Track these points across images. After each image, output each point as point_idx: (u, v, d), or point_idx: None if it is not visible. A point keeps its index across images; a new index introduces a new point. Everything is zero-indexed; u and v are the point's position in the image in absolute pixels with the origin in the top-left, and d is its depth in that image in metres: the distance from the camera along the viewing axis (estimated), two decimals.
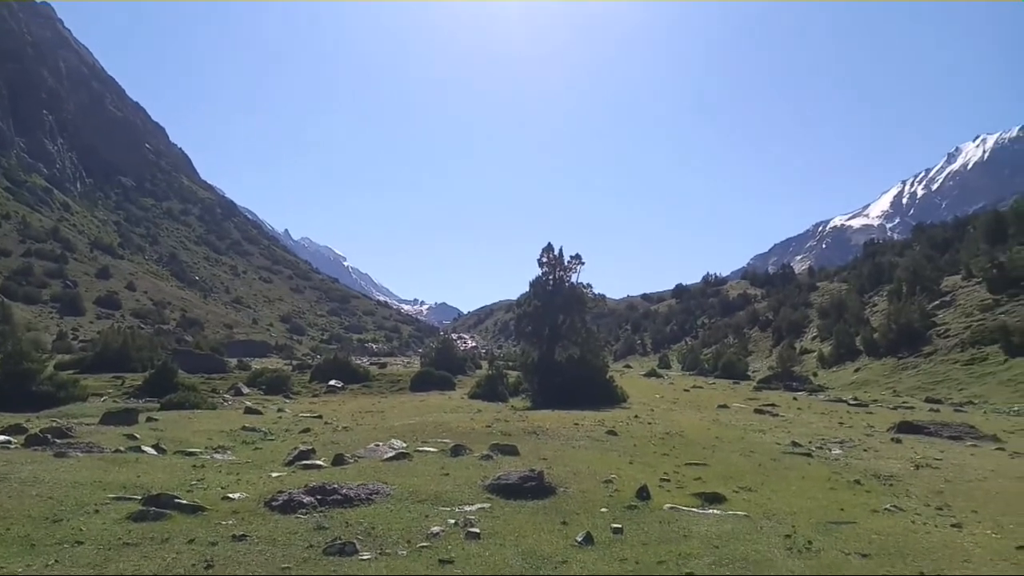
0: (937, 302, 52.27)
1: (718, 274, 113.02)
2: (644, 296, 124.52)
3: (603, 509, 8.37)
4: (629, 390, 26.44)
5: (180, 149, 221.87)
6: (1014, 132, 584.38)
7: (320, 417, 19.40)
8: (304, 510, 8.21)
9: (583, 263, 27.59)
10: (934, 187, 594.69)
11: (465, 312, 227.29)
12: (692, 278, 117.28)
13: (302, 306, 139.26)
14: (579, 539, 7.15)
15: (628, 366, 64.74)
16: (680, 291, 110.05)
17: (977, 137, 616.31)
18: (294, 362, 48.86)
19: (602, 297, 33.53)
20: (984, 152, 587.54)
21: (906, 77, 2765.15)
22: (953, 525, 8.06)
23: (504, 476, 9.55)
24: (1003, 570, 6.36)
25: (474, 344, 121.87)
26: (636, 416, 18.87)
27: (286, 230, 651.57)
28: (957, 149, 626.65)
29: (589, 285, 28.64)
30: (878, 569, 6.41)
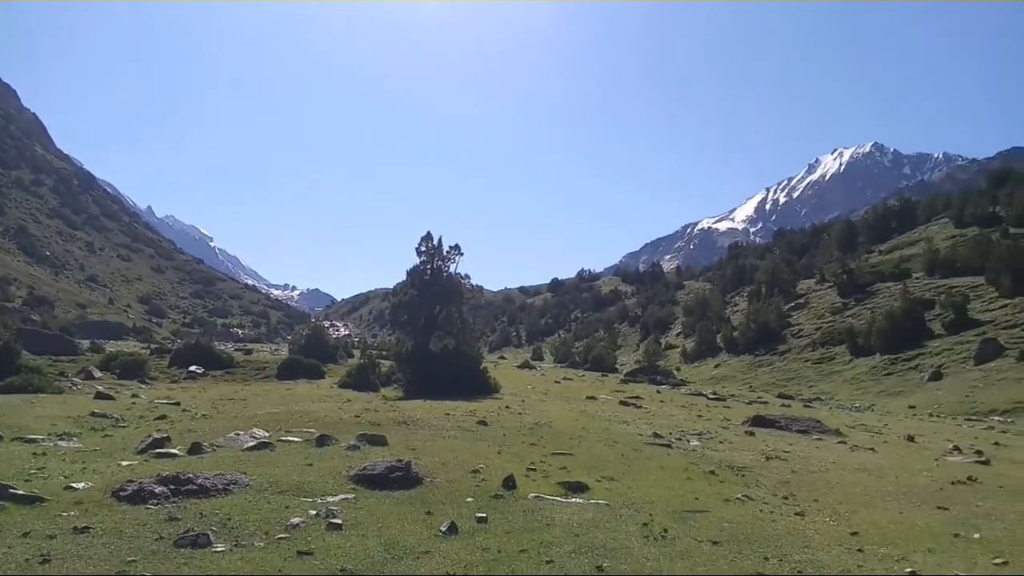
0: (792, 304, 55.59)
1: (592, 270, 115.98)
2: (521, 289, 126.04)
3: (469, 499, 8.38)
4: (502, 381, 26.66)
5: (33, 114, 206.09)
6: (867, 148, 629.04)
7: (178, 404, 18.52)
8: (155, 501, 7.80)
9: (462, 254, 27.59)
10: (795, 195, 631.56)
11: (339, 299, 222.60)
12: (568, 273, 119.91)
13: (163, 287, 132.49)
14: (443, 529, 7.12)
15: (503, 357, 65.32)
16: (556, 285, 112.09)
17: (835, 150, 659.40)
18: (152, 346, 46.39)
19: (480, 288, 33.60)
20: (841, 165, 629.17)
21: (776, 89, 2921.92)
22: (797, 513, 8.55)
23: (370, 466, 9.40)
24: (838, 554, 6.79)
25: (347, 332, 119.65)
26: (507, 407, 19.05)
27: (149, 207, 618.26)
28: (817, 160, 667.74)
29: (467, 276, 28.67)
30: (727, 555, 6.71)
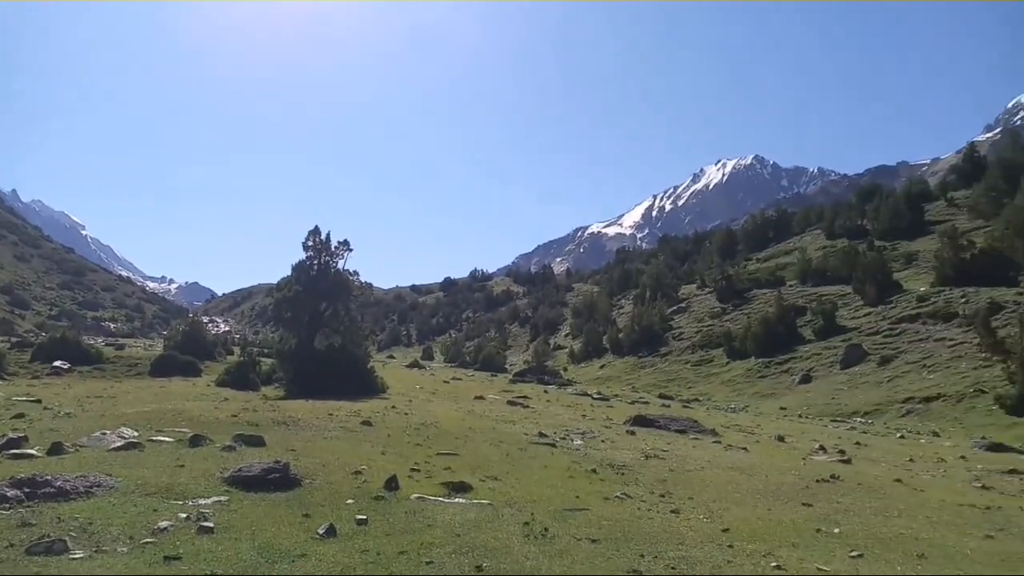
0: (675, 308, 57.47)
1: (485, 270, 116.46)
2: (413, 287, 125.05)
3: (349, 500, 8.21)
4: (390, 381, 26.33)
5: None
6: (749, 160, 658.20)
7: (39, 401, 17.33)
8: (7, 505, 7.25)
9: (351, 249, 27.05)
10: (680, 203, 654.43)
11: (220, 294, 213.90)
12: (461, 272, 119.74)
13: (27, 276, 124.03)
14: (321, 531, 6.93)
15: (392, 357, 64.62)
16: (448, 284, 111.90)
17: (719, 161, 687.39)
18: (14, 339, 43.33)
19: (369, 286, 33.03)
20: (724, 175, 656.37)
21: (665, 100, 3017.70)
22: (673, 511, 8.80)
23: (246, 468, 9.06)
24: (709, 551, 7.02)
25: (228, 328, 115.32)
26: (393, 407, 18.81)
27: (14, 190, 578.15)
28: (701, 170, 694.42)
29: (356, 272, 28.13)
30: (605, 552, 6.83)
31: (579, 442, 14.47)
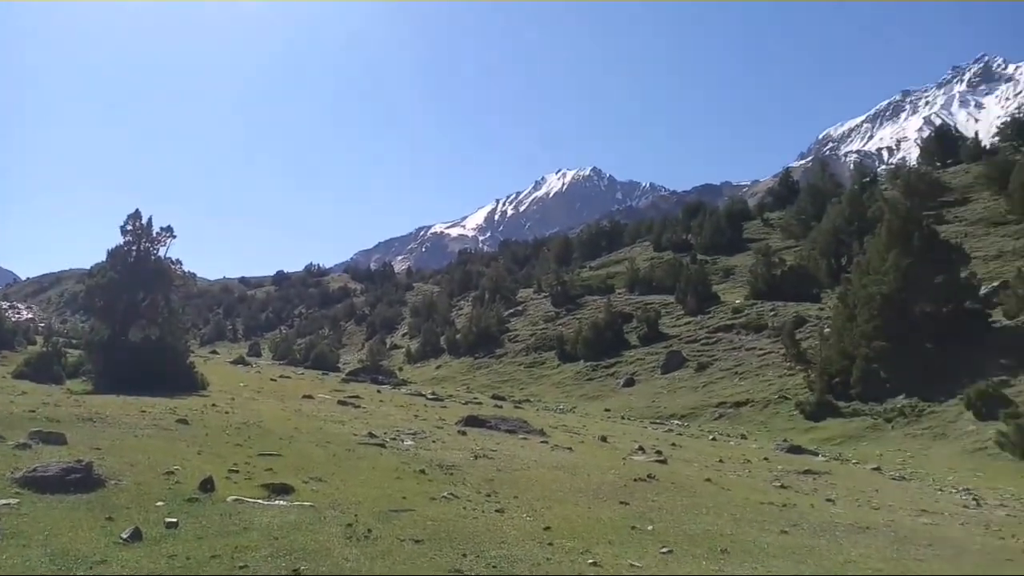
0: (512, 310, 58.48)
1: (321, 265, 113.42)
2: (242, 280, 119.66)
3: (159, 503, 7.71)
4: (212, 377, 25.05)
5: None
6: (587, 171, 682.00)
7: None
8: None
9: (174, 236, 25.49)
10: (522, 208, 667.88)
11: (24, 278, 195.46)
12: (295, 266, 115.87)
13: None
14: (125, 535, 6.46)
15: (215, 352, 61.54)
16: (281, 278, 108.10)
17: (559, 171, 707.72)
18: None
19: (192, 276, 31.33)
20: (564, 185, 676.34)
21: (511, 107, 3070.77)
22: (497, 510, 8.92)
23: (42, 467, 8.30)
24: (530, 549, 7.17)
25: (31, 316, 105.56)
26: (214, 404, 17.90)
27: None
28: (543, 178, 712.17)
29: (179, 261, 26.58)
30: (428, 553, 6.80)
31: (409, 442, 14.38)
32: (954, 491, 15.87)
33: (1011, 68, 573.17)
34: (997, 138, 76.21)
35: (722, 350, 39.03)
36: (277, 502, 8.25)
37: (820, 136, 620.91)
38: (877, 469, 18.97)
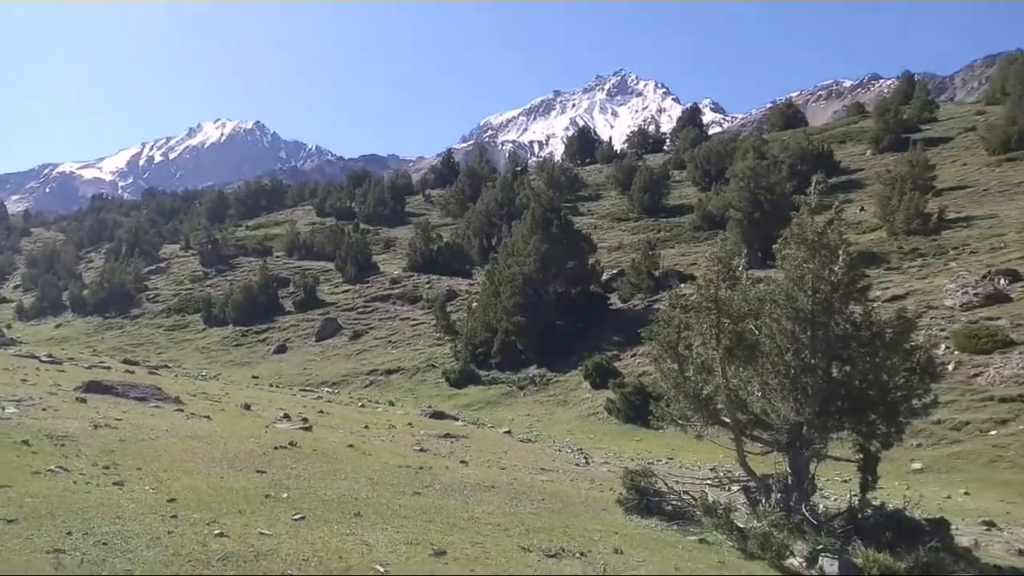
0: (153, 267, 53.73)
1: None
2: None
3: None
4: None
5: None
6: (249, 125, 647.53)
7: None
8: None
9: None
10: (172, 156, 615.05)
11: None
12: None
13: None
14: None
15: None
16: None
17: (219, 120, 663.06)
18: None
19: None
20: (222, 136, 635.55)
21: (162, 40, 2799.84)
22: (116, 483, 8.06)
23: None
24: (150, 522, 6.58)
25: None
26: None
27: None
28: (199, 126, 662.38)
29: None
30: (23, 533, 5.93)
31: (12, 410, 12.44)
32: (570, 451, 17.87)
33: (641, 84, 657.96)
34: (626, 145, 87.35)
35: (378, 319, 39.76)
36: None
37: (481, 123, 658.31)
38: (508, 432, 20.68)
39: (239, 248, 55.36)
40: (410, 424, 18.39)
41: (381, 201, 64.03)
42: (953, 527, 9.84)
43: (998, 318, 24.12)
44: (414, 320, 38.74)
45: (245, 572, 5.58)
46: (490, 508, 8.60)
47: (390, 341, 36.70)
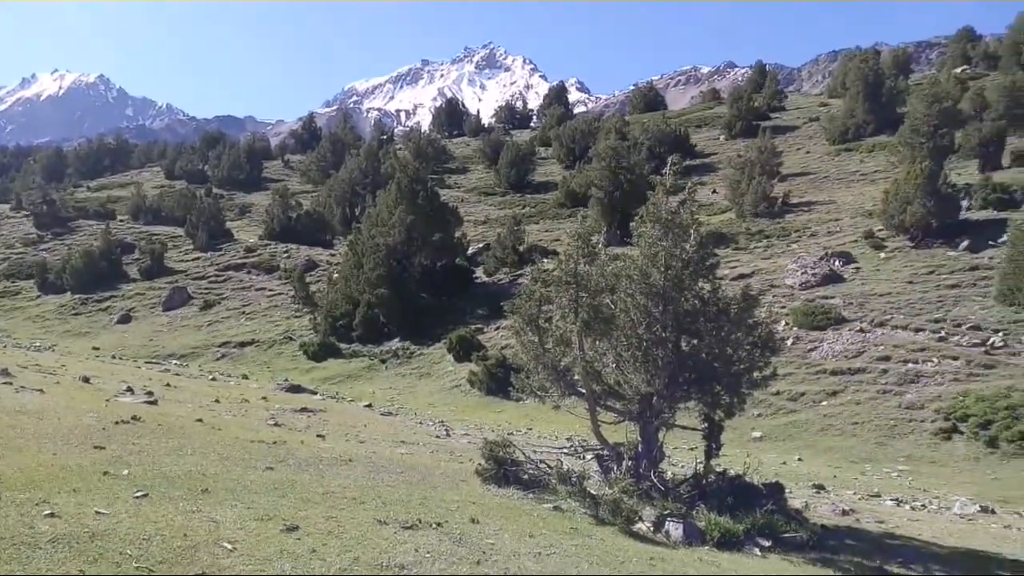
0: None
1: None
2: None
3: None
4: None
5: None
6: (92, 78, 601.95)
7: None
8: None
9: None
10: (2, 108, 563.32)
11: None
12: None
13: None
14: None
15: None
16: None
17: (56, 71, 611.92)
18: None
19: None
20: (61, 88, 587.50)
21: None
22: None
23: None
24: None
25: None
26: None
27: None
28: (34, 76, 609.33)
29: None
30: None
31: None
32: (431, 424, 17.90)
33: (510, 59, 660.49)
34: (494, 119, 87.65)
35: (231, 289, 38.27)
36: None
37: (346, 88, 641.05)
38: (369, 406, 20.45)
39: (79, 210, 51.51)
40: (265, 398, 17.83)
41: (237, 165, 61.35)
42: (787, 491, 10.61)
43: (832, 297, 26.07)
44: (271, 291, 37.48)
45: (78, 553, 5.22)
46: (346, 482, 8.46)
47: (244, 312, 35.38)
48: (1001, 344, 21.72)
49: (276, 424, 13.02)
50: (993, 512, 13.40)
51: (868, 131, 48.42)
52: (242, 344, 31.94)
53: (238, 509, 6.69)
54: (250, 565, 5.34)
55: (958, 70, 59.08)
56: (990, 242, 27.50)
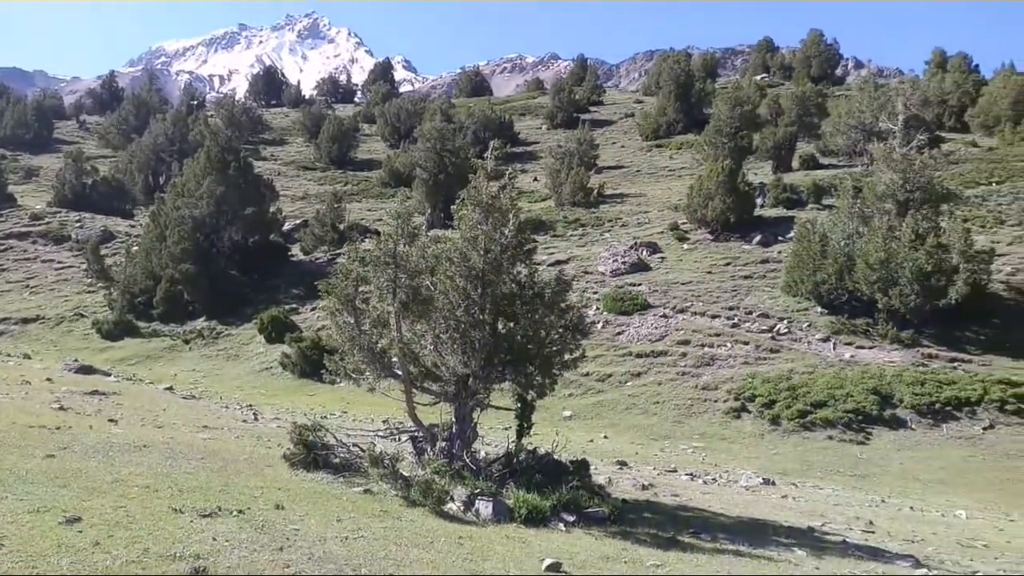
0: None
1: None
2: None
3: None
4: None
5: None
6: None
7: None
8: None
9: None
10: None
11: None
12: None
13: None
14: None
15: None
16: None
17: None
18: None
19: None
20: None
21: None
22: None
23: None
24: None
25: None
26: None
27: None
28: None
29: None
30: None
31: None
32: (238, 407, 17.08)
33: (334, 31, 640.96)
34: (315, 91, 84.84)
35: (13, 259, 34.80)
36: None
37: (154, 47, 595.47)
38: (170, 388, 19.21)
39: None
40: (50, 380, 16.25)
41: (23, 123, 55.62)
42: (592, 467, 11.07)
43: (640, 284, 27.55)
44: (59, 263, 34.29)
45: None
46: (139, 469, 7.87)
47: (28, 286, 32.17)
48: (785, 331, 23.92)
49: (61, 408, 11.90)
50: (773, 484, 14.76)
51: (678, 129, 51.51)
52: (25, 320, 29.02)
53: (10, 501, 6.04)
54: (20, 562, 4.82)
55: (758, 77, 64.18)
56: (779, 237, 30.17)
